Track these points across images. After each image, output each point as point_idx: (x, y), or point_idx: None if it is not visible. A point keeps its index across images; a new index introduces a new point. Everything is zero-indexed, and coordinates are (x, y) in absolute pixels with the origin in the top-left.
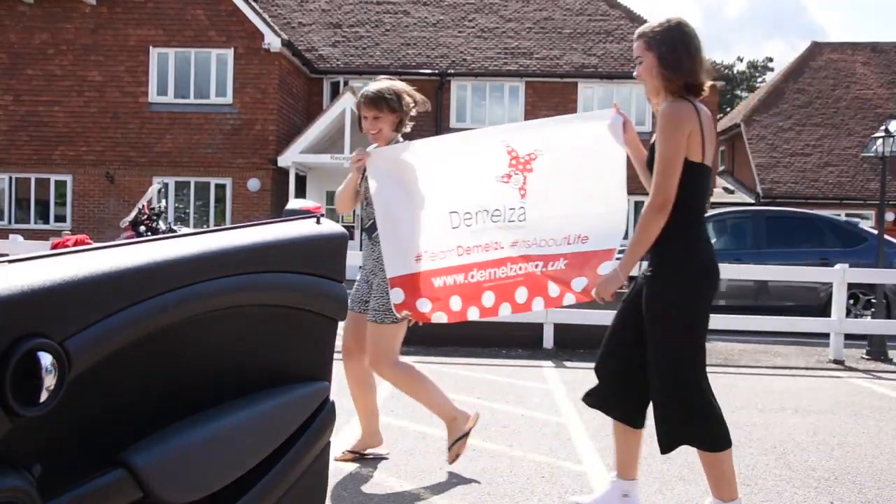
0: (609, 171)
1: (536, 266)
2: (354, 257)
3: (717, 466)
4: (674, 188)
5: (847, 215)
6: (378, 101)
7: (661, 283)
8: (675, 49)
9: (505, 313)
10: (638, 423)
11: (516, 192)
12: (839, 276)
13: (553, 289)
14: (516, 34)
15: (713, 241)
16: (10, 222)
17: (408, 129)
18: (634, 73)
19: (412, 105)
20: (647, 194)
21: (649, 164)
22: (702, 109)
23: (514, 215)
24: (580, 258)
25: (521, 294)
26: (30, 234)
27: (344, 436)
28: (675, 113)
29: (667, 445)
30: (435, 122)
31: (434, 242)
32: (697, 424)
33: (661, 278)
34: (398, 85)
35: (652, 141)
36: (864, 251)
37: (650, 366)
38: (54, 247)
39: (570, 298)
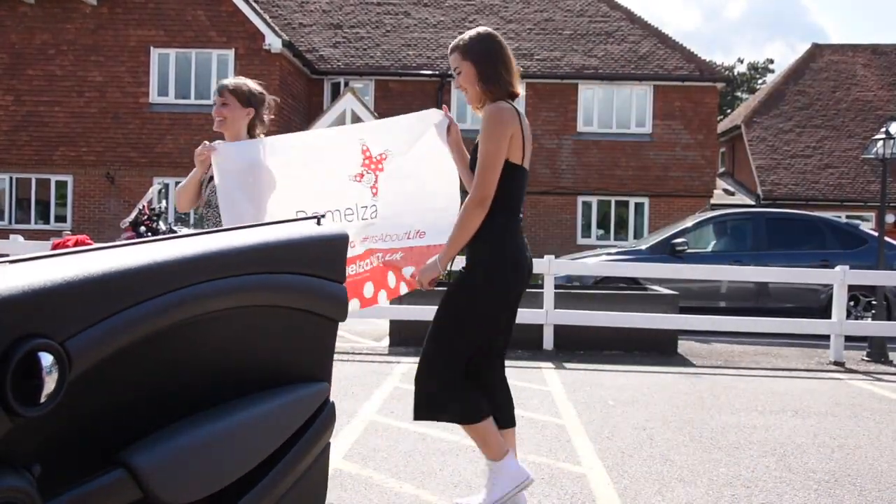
0: (445, 170)
1: (379, 259)
2: None
3: (477, 435)
4: (493, 185)
5: (847, 217)
6: (228, 88)
7: (469, 275)
8: (490, 56)
9: (354, 308)
10: (501, 423)
11: (368, 191)
12: (839, 278)
13: (391, 279)
14: (517, 35)
15: (714, 242)
16: (10, 222)
17: (261, 136)
18: (455, 84)
19: (267, 111)
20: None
21: (472, 166)
22: (522, 113)
23: (367, 213)
24: (416, 252)
25: (369, 289)
26: (30, 235)
27: (343, 437)
28: (499, 114)
29: (418, 415)
30: None
31: None
32: (447, 401)
33: (470, 271)
34: (259, 87)
35: (476, 142)
36: (864, 253)
37: (427, 338)
38: (55, 247)
39: (403, 288)
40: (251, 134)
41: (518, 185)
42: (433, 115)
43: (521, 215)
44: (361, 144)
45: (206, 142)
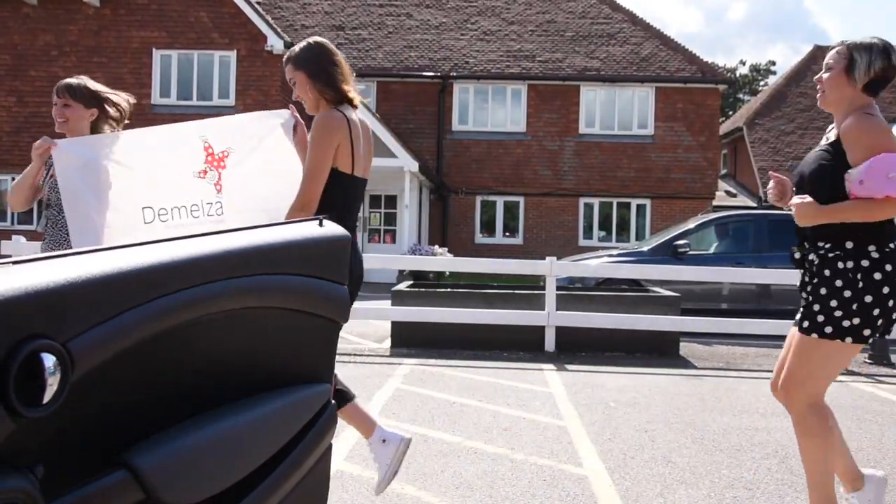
0: (291, 170)
1: None
2: None
3: (347, 418)
4: (317, 192)
5: None
6: (69, 90)
7: None
8: (321, 64)
9: None
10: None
11: (212, 187)
12: None
13: None
14: (519, 37)
15: (716, 244)
16: (12, 224)
17: (113, 133)
18: (293, 97)
19: (116, 112)
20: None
21: None
22: (354, 121)
23: (213, 209)
24: None
25: None
26: (33, 236)
27: (344, 439)
28: (326, 123)
29: None
30: (437, 125)
31: (124, 240)
32: None
33: None
34: (101, 87)
35: None
36: None
37: None
38: None
39: None
40: (94, 130)
41: (345, 194)
42: (279, 115)
43: (353, 224)
44: (203, 141)
45: (47, 136)
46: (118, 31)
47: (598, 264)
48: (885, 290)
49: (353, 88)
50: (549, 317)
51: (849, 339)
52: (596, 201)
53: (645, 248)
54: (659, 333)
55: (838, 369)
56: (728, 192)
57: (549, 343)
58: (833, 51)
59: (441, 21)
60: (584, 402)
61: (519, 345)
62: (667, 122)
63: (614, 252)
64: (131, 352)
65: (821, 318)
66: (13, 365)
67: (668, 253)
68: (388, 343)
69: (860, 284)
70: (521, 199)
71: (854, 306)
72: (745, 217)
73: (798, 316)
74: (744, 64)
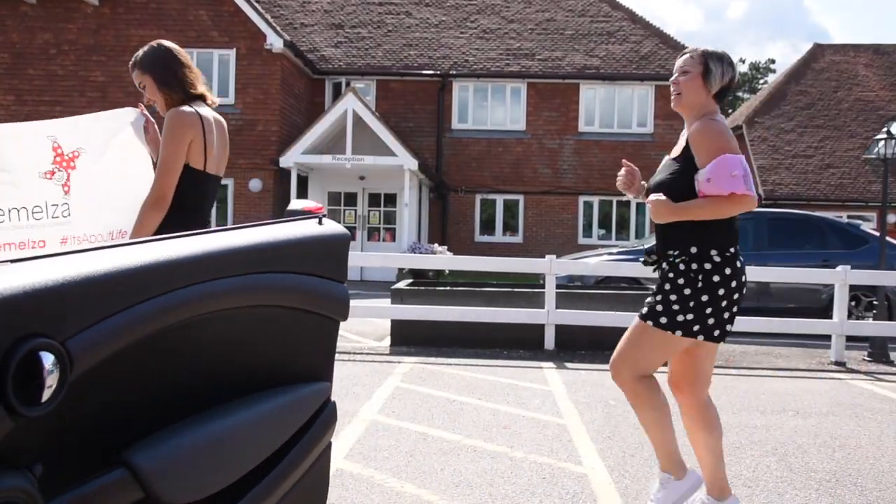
0: (142, 170)
1: None
2: (354, 258)
3: None
4: (170, 187)
5: (849, 217)
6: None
7: None
8: (165, 63)
9: None
10: None
11: (60, 189)
12: (841, 278)
13: None
14: (518, 35)
15: None
16: None
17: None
18: (144, 101)
19: None
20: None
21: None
22: (207, 118)
23: (58, 211)
24: None
25: None
26: None
27: (344, 437)
28: (176, 119)
29: None
30: (437, 124)
31: None
32: None
33: None
34: None
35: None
36: (865, 253)
37: None
38: None
39: None
40: None
41: (197, 190)
42: (128, 114)
43: (206, 221)
44: (52, 141)
45: None
46: (117, 29)
47: (597, 262)
48: (721, 291)
49: (204, 87)
50: (549, 315)
51: (679, 333)
52: (595, 200)
53: (645, 247)
54: None
55: (663, 359)
56: None
57: (549, 341)
58: (686, 55)
59: (440, 19)
60: (584, 401)
61: (518, 343)
62: (666, 120)
63: (614, 250)
64: (130, 350)
65: (659, 309)
66: (12, 364)
67: None
68: (387, 341)
69: (699, 285)
70: (520, 198)
71: (690, 304)
72: (745, 215)
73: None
74: (743, 62)
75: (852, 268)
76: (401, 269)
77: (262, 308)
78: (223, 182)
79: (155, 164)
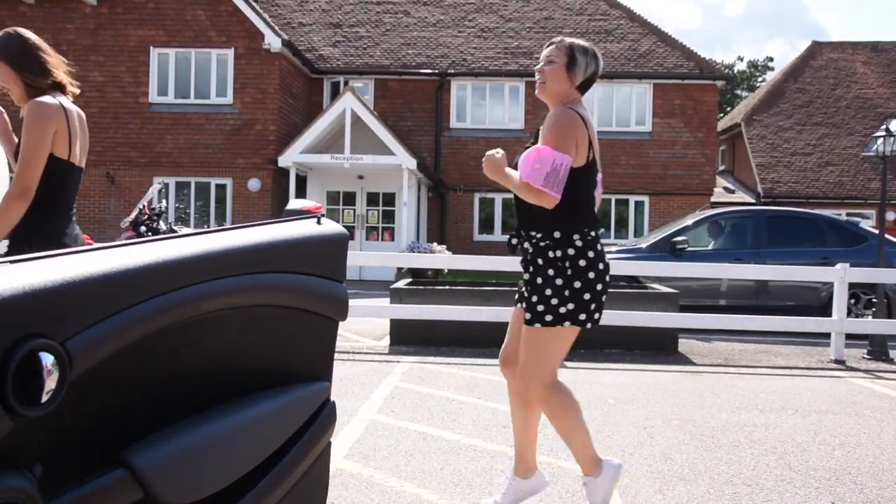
0: None
1: None
2: (353, 258)
3: None
4: (35, 178)
5: (848, 215)
6: None
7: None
8: (22, 51)
9: None
10: None
11: None
12: (840, 276)
13: None
14: (516, 34)
15: (714, 241)
16: None
17: None
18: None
19: None
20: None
21: (16, 155)
22: (69, 109)
23: None
24: None
25: None
26: None
27: (344, 437)
28: (39, 109)
29: None
30: (435, 123)
31: None
32: None
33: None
34: None
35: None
36: (864, 251)
37: None
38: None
39: None
40: None
41: (62, 181)
42: None
43: (71, 212)
44: None
45: None
46: (115, 29)
47: None
48: (591, 275)
49: (64, 75)
50: None
51: (567, 324)
52: None
53: (643, 245)
54: (657, 330)
55: (563, 350)
56: (726, 189)
57: None
58: (552, 46)
59: (439, 18)
60: (583, 399)
61: None
62: (664, 118)
63: (613, 249)
64: (129, 350)
65: (540, 308)
66: (11, 364)
67: (667, 249)
68: (386, 341)
69: (569, 272)
70: None
71: (567, 293)
72: (744, 213)
73: (521, 304)
74: (742, 60)
75: (851, 265)
76: (400, 269)
77: (262, 308)
78: (221, 182)
79: (11, 157)
